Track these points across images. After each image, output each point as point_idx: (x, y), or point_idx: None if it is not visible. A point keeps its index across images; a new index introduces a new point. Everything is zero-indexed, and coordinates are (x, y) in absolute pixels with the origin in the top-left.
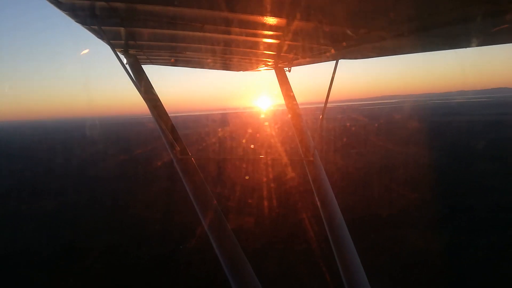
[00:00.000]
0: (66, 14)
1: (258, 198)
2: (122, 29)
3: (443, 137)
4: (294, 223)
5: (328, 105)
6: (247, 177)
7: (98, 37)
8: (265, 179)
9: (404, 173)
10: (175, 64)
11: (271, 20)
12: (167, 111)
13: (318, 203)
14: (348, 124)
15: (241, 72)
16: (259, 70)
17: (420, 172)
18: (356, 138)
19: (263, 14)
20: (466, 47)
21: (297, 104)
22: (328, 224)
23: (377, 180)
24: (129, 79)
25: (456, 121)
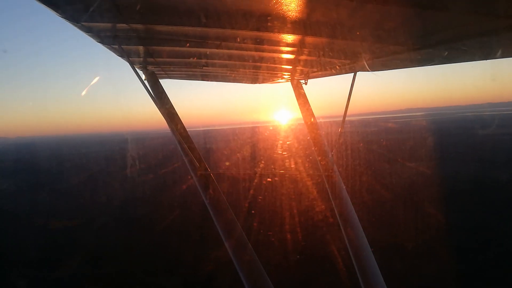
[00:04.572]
0: (89, 35)
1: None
2: (141, 48)
3: None
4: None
5: (352, 118)
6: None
7: (118, 55)
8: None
9: None
10: (192, 78)
11: (288, 36)
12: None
13: (338, 218)
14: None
15: (257, 84)
16: (276, 83)
17: None
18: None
19: (280, 30)
20: (487, 59)
21: (314, 116)
22: (349, 239)
23: None
24: (147, 94)
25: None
